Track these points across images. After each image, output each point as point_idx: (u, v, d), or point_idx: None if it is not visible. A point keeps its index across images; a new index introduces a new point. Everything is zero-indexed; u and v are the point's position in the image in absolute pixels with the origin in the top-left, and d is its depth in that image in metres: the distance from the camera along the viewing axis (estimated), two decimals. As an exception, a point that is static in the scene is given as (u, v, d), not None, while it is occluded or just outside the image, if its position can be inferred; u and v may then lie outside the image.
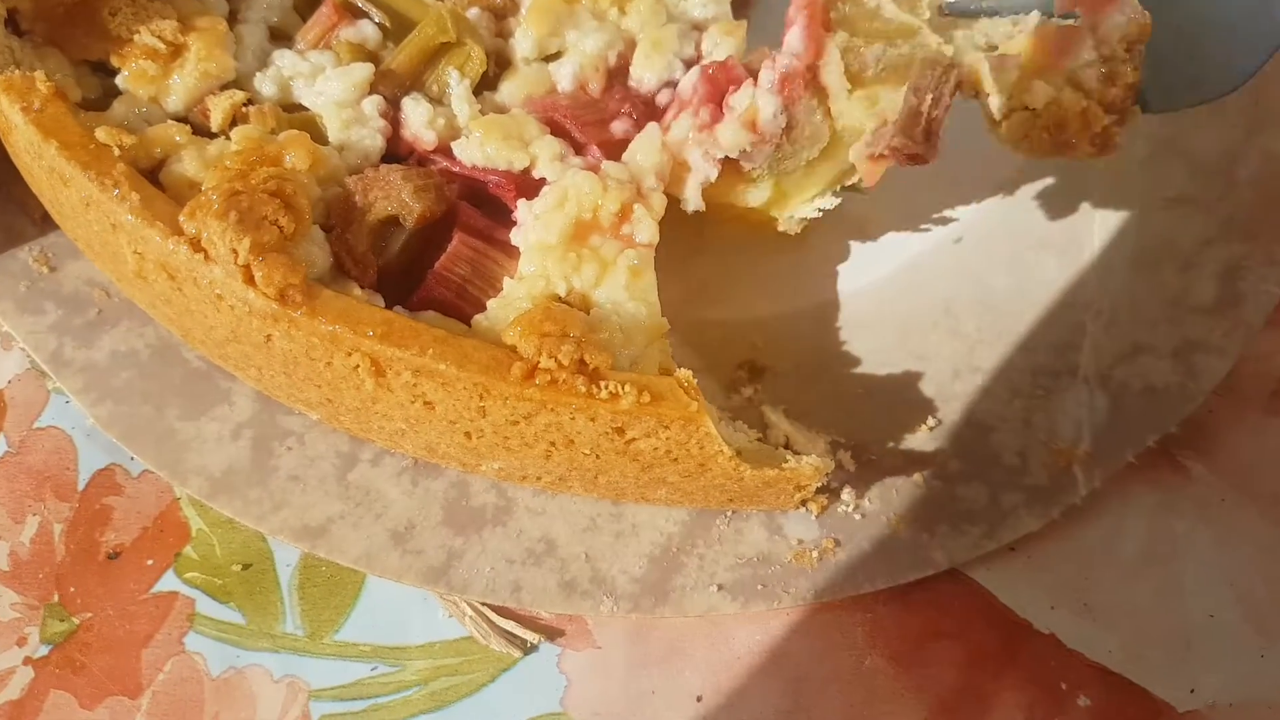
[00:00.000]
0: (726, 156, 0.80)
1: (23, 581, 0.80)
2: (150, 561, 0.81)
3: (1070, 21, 0.81)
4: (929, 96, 0.79)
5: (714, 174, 0.80)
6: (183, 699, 0.76)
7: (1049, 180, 0.98)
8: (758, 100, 0.79)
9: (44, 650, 0.78)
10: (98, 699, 0.76)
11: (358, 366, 0.71)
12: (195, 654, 0.78)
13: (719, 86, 0.80)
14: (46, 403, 0.86)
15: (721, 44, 0.84)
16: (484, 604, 0.79)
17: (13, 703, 0.76)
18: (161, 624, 0.79)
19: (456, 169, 0.79)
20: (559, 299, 0.75)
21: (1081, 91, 0.80)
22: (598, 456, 0.74)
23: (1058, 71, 0.80)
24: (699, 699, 0.78)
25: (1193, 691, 0.78)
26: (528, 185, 0.79)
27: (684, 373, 0.72)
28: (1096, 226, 0.95)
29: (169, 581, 0.80)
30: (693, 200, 0.81)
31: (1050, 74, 0.80)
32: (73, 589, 0.80)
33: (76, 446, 0.85)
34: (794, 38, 0.80)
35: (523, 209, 0.77)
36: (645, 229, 0.76)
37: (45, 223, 0.89)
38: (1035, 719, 0.78)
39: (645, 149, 0.79)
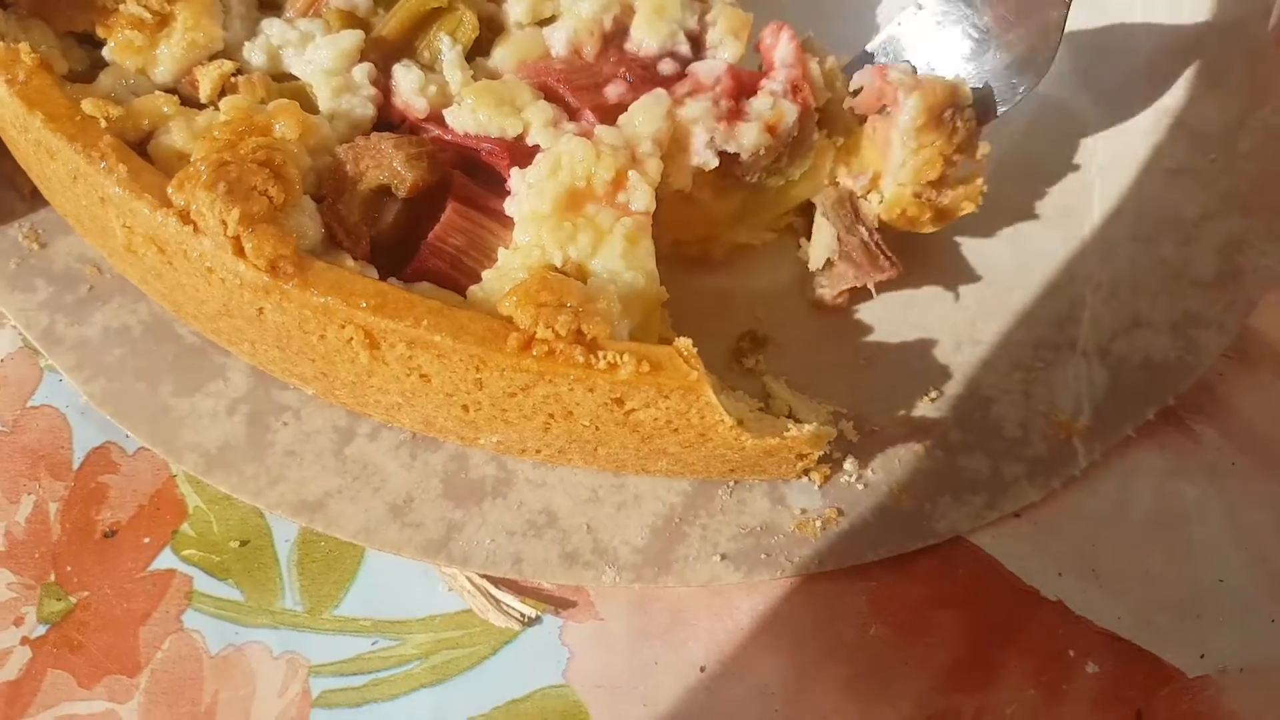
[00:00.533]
0: (725, 152, 0.80)
1: (19, 561, 0.79)
2: (147, 539, 0.80)
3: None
4: (856, 229, 0.85)
5: (713, 162, 0.79)
6: (182, 677, 0.76)
7: (1048, 151, 0.97)
8: (781, 106, 0.80)
9: (41, 630, 0.77)
10: (96, 678, 0.75)
11: (351, 339, 0.70)
12: (194, 632, 0.77)
13: (742, 86, 0.81)
14: (40, 381, 0.85)
15: (727, 43, 0.83)
16: (484, 576, 0.78)
17: (10, 683, 0.75)
18: (159, 602, 0.78)
19: (449, 137, 0.78)
20: (555, 269, 0.73)
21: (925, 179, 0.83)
22: (597, 428, 0.73)
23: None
24: (702, 669, 0.77)
25: (1203, 657, 0.78)
26: (521, 153, 0.77)
27: (683, 341, 0.71)
28: (1096, 198, 0.94)
29: (166, 559, 0.79)
30: (678, 181, 0.80)
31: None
32: (69, 568, 0.79)
33: (71, 425, 0.84)
34: (784, 51, 0.82)
35: (515, 178, 0.76)
36: (641, 196, 0.75)
37: (35, 198, 0.88)
38: (1043, 687, 0.78)
39: (649, 114, 0.77)
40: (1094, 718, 0.77)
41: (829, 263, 0.86)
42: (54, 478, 0.82)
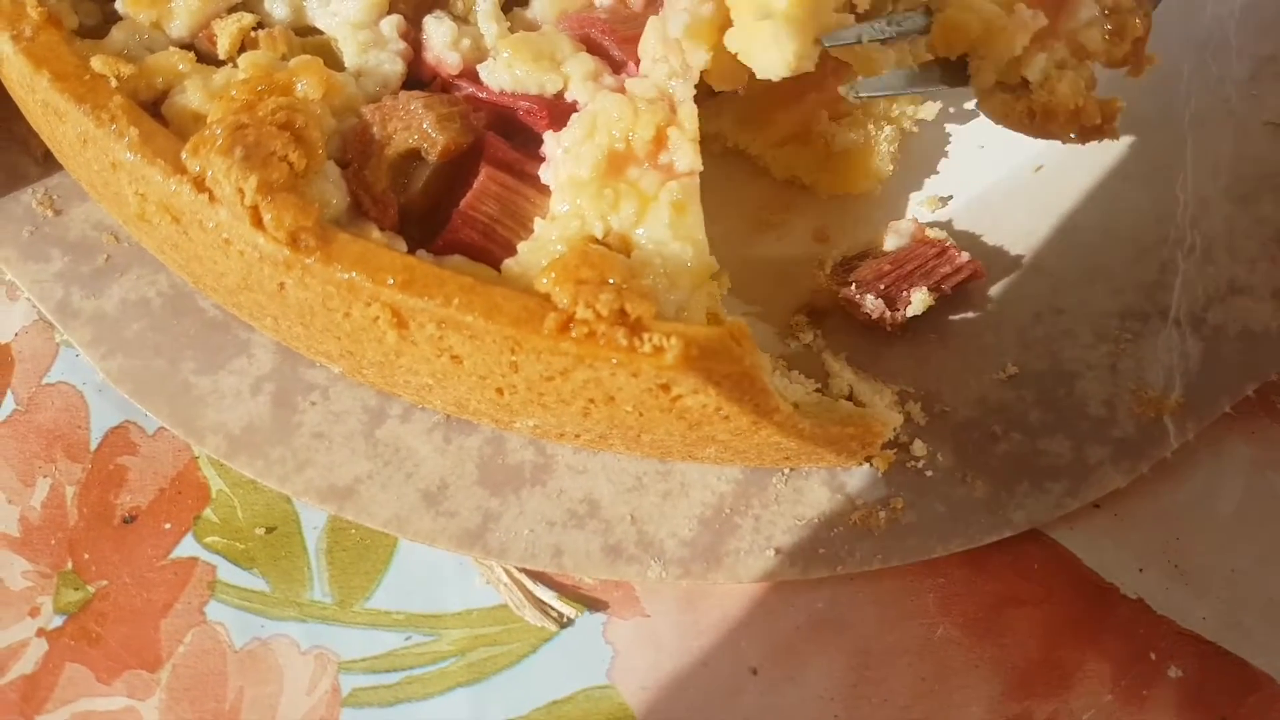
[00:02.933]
0: None
1: (34, 548, 0.76)
2: (168, 525, 0.76)
3: None
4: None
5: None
6: (204, 672, 0.72)
7: (1136, 102, 0.88)
8: None
9: (58, 621, 0.74)
10: (115, 672, 0.72)
11: (378, 318, 0.65)
12: (217, 624, 0.74)
13: None
14: (56, 356, 0.81)
15: None
16: (522, 570, 0.74)
17: (26, 677, 0.72)
18: (181, 592, 0.74)
19: (483, 95, 0.72)
20: (596, 241, 0.67)
21: (1086, 55, 0.72)
22: (641, 414, 0.67)
23: (1057, 36, 0.72)
24: (754, 671, 0.72)
25: (1296, 663, 0.72)
26: (561, 111, 0.71)
27: (736, 323, 0.65)
28: (1189, 154, 0.86)
29: (188, 546, 0.76)
30: (765, 65, 0.70)
31: (1050, 40, 0.72)
32: (87, 555, 0.75)
33: (88, 403, 0.80)
34: None
35: (550, 142, 0.70)
36: (685, 154, 0.68)
37: (49, 162, 0.84)
38: (1121, 692, 0.72)
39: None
40: (1179, 726, 0.71)
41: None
42: (71, 459, 0.78)
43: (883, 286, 0.78)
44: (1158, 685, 0.72)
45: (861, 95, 0.78)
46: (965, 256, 0.80)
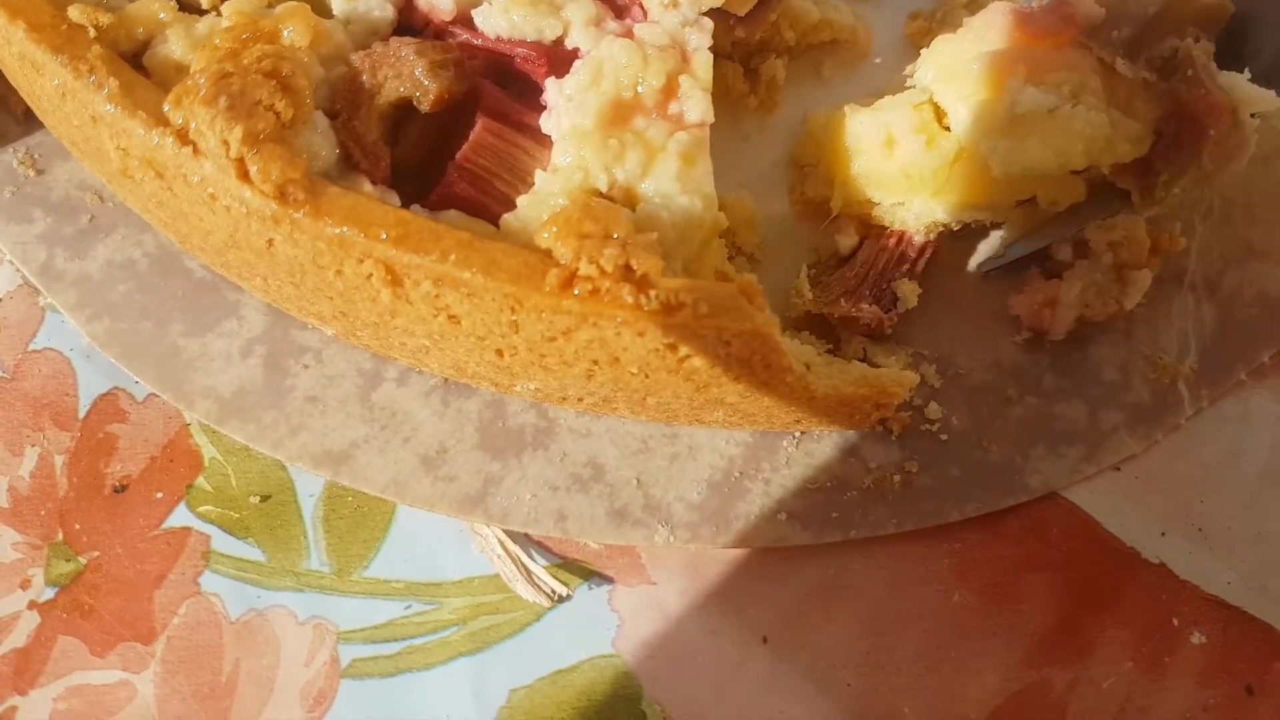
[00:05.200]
0: None
1: (24, 519, 0.74)
2: (160, 494, 0.74)
3: None
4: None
5: None
6: (200, 644, 0.70)
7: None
8: None
9: (50, 593, 0.72)
10: (109, 645, 0.70)
11: (371, 275, 0.62)
12: (212, 595, 0.71)
13: None
14: (41, 322, 0.79)
15: None
16: (517, 541, 0.72)
17: (19, 650, 0.70)
18: (174, 563, 0.72)
19: (478, 41, 0.69)
20: (600, 194, 0.65)
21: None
22: (647, 376, 0.65)
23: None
24: (765, 640, 0.70)
25: (1325, 628, 0.70)
26: (560, 59, 0.68)
27: (746, 277, 0.62)
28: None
29: (181, 516, 0.73)
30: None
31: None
32: (78, 526, 0.73)
33: (75, 369, 0.77)
34: None
35: (552, 89, 0.67)
36: (696, 104, 0.66)
37: (29, 120, 0.81)
38: (1143, 659, 0.70)
39: None
40: (1200, 693, 0.69)
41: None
42: (59, 428, 0.76)
43: (867, 292, 0.76)
44: (1180, 652, 0.70)
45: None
46: (919, 237, 0.77)
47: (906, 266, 0.76)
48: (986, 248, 0.78)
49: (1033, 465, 0.73)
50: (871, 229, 0.78)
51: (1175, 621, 0.71)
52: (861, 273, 0.77)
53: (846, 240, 0.79)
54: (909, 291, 0.75)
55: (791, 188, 0.82)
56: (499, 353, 0.66)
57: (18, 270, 0.78)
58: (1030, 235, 0.77)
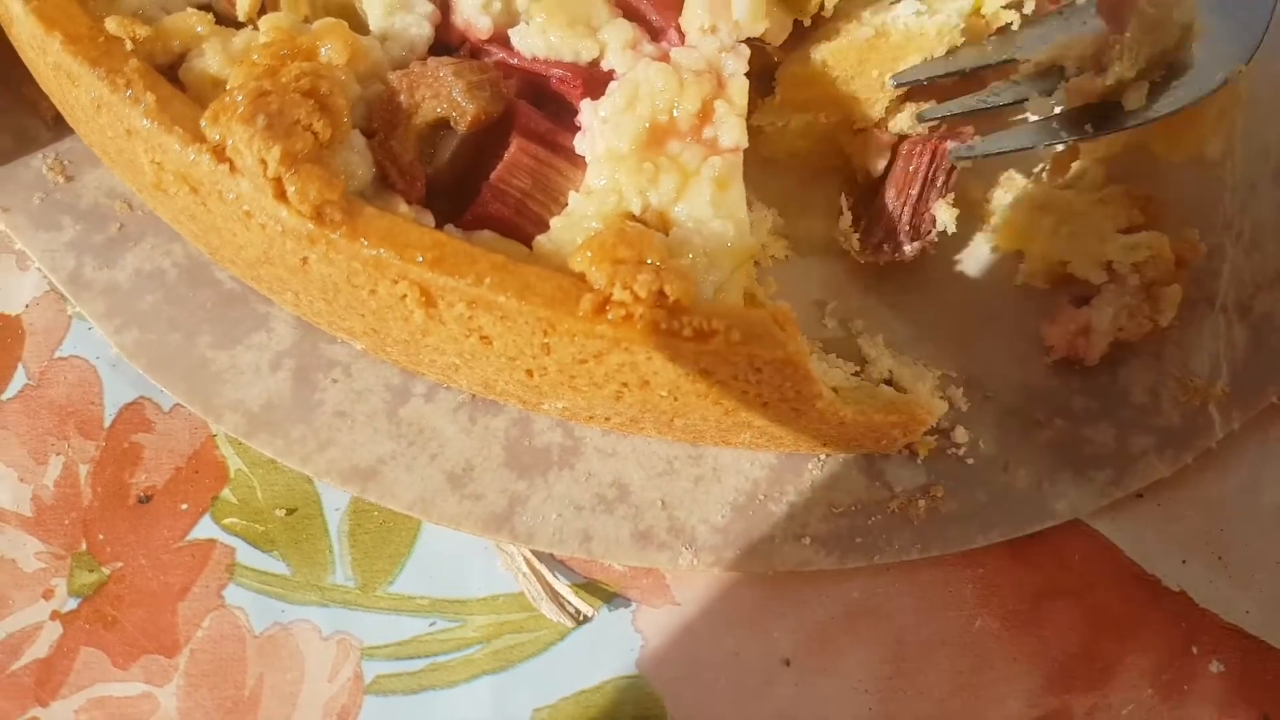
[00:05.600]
0: None
1: (47, 528, 0.73)
2: (185, 506, 0.74)
3: None
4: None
5: None
6: (223, 658, 0.70)
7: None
8: None
9: (73, 604, 0.72)
10: (132, 657, 0.70)
11: (405, 296, 0.62)
12: (236, 608, 0.71)
13: None
14: (68, 329, 0.78)
15: None
16: (543, 560, 0.72)
17: (40, 661, 0.70)
18: (199, 575, 0.72)
19: (514, 61, 0.69)
20: (633, 217, 0.65)
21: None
22: (676, 399, 0.65)
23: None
24: (787, 663, 0.70)
25: (1345, 660, 0.70)
26: (596, 80, 0.68)
27: (779, 304, 0.62)
28: (1239, 135, 0.82)
29: (206, 528, 0.73)
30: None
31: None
32: (101, 536, 0.73)
33: (101, 378, 0.77)
34: None
35: (587, 111, 0.67)
36: (731, 130, 0.66)
37: (59, 125, 0.80)
38: (1162, 686, 0.70)
39: None
40: (1218, 722, 0.70)
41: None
42: (84, 437, 0.75)
43: (908, 227, 0.76)
44: (1199, 680, 0.70)
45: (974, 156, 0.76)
46: (951, 144, 0.76)
47: (941, 185, 0.76)
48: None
49: (1059, 490, 0.73)
50: (898, 149, 0.77)
51: (1195, 650, 0.71)
52: (901, 206, 0.76)
53: (875, 162, 0.78)
54: (949, 215, 0.75)
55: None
56: (529, 373, 0.66)
57: (44, 277, 0.78)
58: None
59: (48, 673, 0.70)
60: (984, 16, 0.76)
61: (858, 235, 0.77)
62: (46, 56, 0.67)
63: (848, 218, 0.78)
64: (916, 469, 0.73)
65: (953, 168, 0.76)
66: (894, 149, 0.77)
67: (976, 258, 0.80)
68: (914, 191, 0.76)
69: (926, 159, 0.76)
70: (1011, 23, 0.76)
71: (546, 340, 0.62)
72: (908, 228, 0.76)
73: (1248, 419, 0.75)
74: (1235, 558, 0.73)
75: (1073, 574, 0.73)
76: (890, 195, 0.76)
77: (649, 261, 0.60)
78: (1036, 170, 0.81)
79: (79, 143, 0.80)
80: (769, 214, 0.80)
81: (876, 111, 0.77)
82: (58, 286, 0.77)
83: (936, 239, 0.76)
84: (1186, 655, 0.71)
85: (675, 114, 0.66)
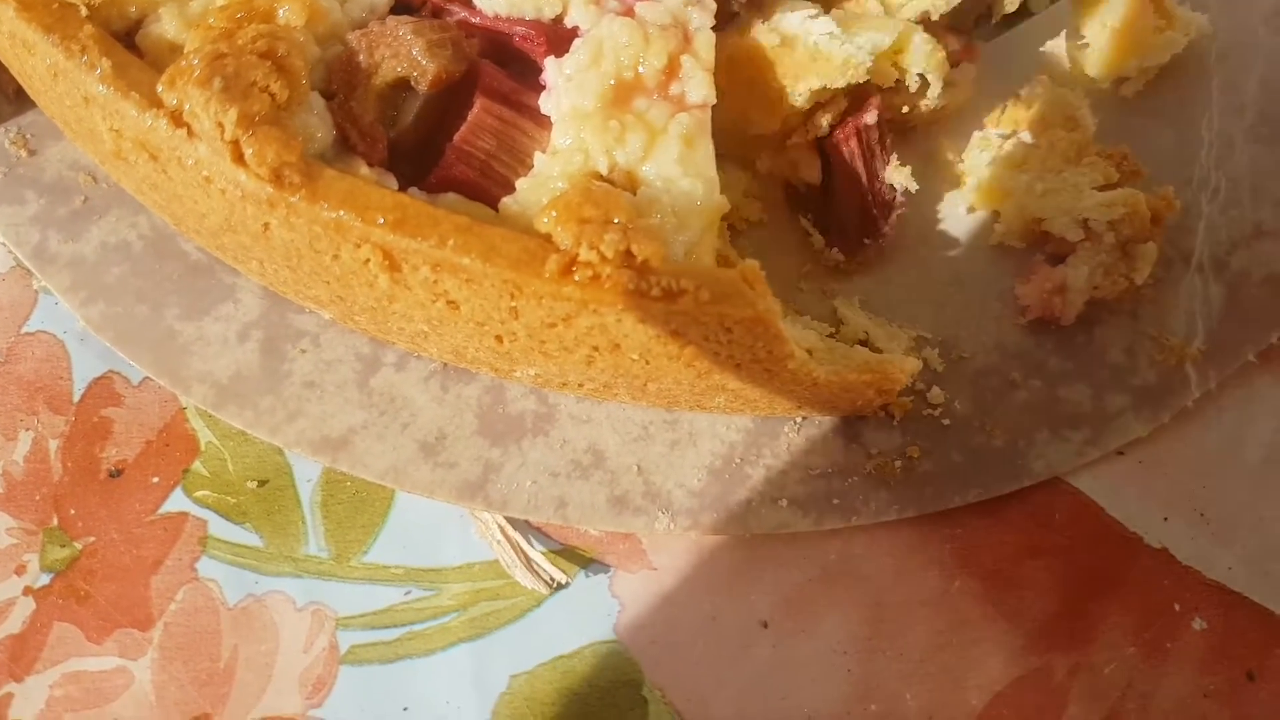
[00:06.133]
0: None
1: (18, 504, 0.73)
2: (156, 479, 0.73)
3: None
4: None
5: None
6: (197, 631, 0.70)
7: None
8: None
9: (45, 579, 0.71)
10: (106, 631, 0.70)
11: (369, 260, 0.61)
12: (209, 581, 0.71)
13: None
14: (35, 304, 0.78)
15: None
16: (524, 522, 0.71)
17: (14, 636, 0.70)
18: (171, 548, 0.72)
19: (476, 20, 0.67)
20: (600, 177, 0.64)
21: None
22: (647, 362, 0.64)
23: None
24: (765, 625, 0.70)
25: (1328, 614, 0.69)
26: (559, 37, 0.67)
27: (748, 263, 0.61)
28: (1214, 92, 0.82)
29: (177, 501, 0.73)
30: None
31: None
32: (73, 511, 0.73)
33: (69, 352, 0.76)
34: None
35: (551, 69, 0.66)
36: (698, 85, 0.65)
37: (21, 99, 0.79)
38: (1144, 644, 0.70)
39: None
40: (1201, 679, 0.69)
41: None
42: (53, 411, 0.75)
43: (874, 210, 0.75)
44: (1182, 637, 0.70)
45: None
46: (867, 115, 0.74)
47: (881, 154, 0.75)
48: None
49: (1036, 450, 0.72)
50: (824, 148, 0.76)
51: (1177, 607, 0.71)
52: (856, 197, 0.75)
53: (810, 170, 0.77)
54: (904, 176, 0.75)
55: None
56: (498, 338, 0.65)
57: (9, 252, 0.77)
58: None
59: (21, 648, 0.69)
60: (897, 65, 0.74)
61: (835, 249, 0.76)
62: (1, 25, 0.66)
63: (819, 238, 0.77)
64: (892, 430, 0.72)
65: (882, 131, 0.75)
66: (820, 150, 0.76)
67: (951, 219, 0.79)
68: (861, 175, 0.74)
69: (855, 141, 0.74)
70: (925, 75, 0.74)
71: (514, 304, 0.61)
72: (874, 210, 0.75)
73: (1225, 377, 0.74)
74: (1217, 514, 0.73)
75: (1053, 533, 0.72)
76: (842, 191, 0.75)
77: (616, 221, 0.59)
78: (1010, 133, 0.80)
79: (41, 116, 0.79)
80: (743, 175, 0.79)
81: (775, 123, 0.75)
82: (23, 261, 0.76)
83: (905, 200, 0.75)
84: (1169, 613, 0.71)
85: (641, 70, 0.65)
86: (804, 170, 0.77)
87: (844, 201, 0.76)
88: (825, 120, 0.74)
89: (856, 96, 0.75)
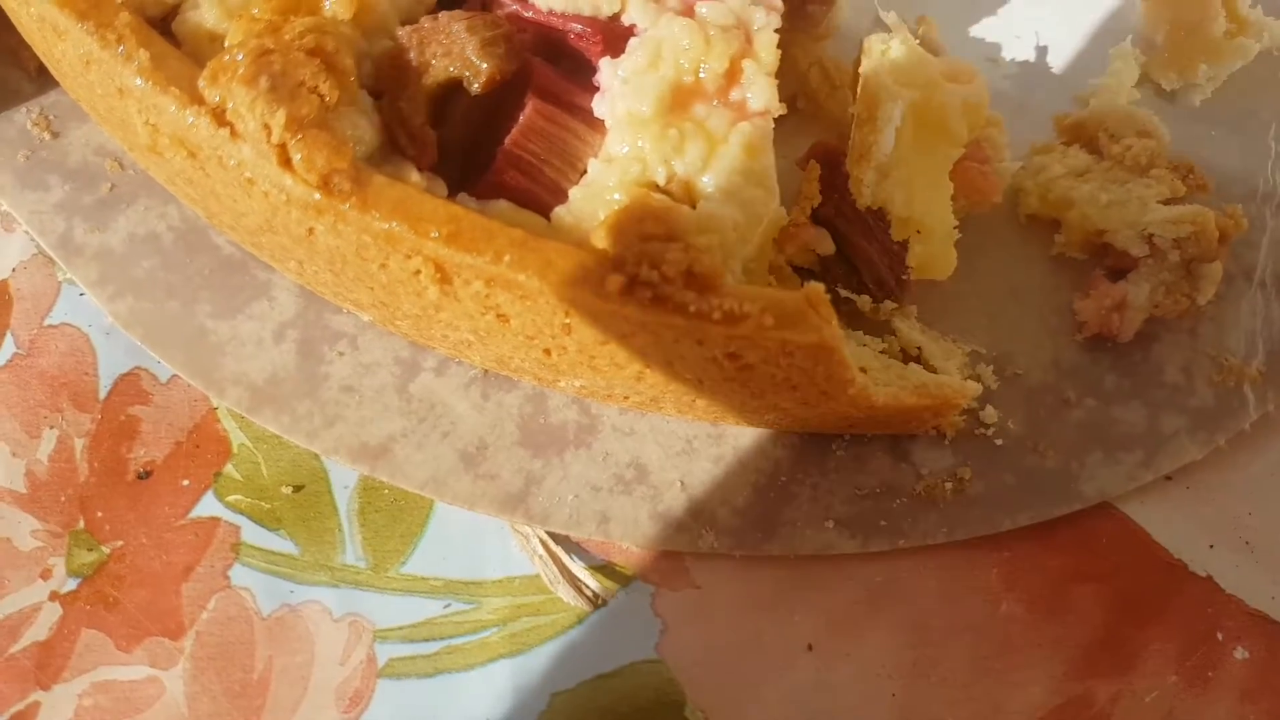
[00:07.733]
0: None
1: (43, 506, 0.71)
2: (186, 482, 0.71)
3: None
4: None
5: None
6: (230, 641, 0.68)
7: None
8: None
9: (72, 584, 0.69)
10: (135, 639, 0.68)
11: (419, 271, 0.59)
12: (242, 589, 0.69)
13: None
14: (58, 295, 0.75)
15: None
16: (559, 542, 0.70)
17: (40, 644, 0.68)
18: (203, 554, 0.70)
19: (529, 14, 0.64)
20: (657, 188, 0.61)
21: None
22: (701, 381, 0.62)
23: None
24: (810, 647, 0.69)
25: (1372, 648, 0.69)
26: (616, 36, 0.64)
27: (813, 285, 0.59)
28: (1278, 103, 0.80)
29: (209, 505, 0.71)
30: None
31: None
32: (100, 514, 0.70)
33: (95, 347, 0.74)
34: None
35: (606, 71, 0.63)
36: (760, 91, 0.62)
37: (43, 76, 0.76)
38: (1186, 673, 0.69)
39: None
40: (1242, 708, 0.69)
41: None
42: (78, 409, 0.72)
43: (895, 245, 0.71)
44: (1224, 666, 0.69)
45: None
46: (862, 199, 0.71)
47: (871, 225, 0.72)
48: None
49: (1088, 472, 0.71)
50: (823, 220, 0.72)
51: (1220, 636, 0.70)
52: (876, 245, 0.72)
53: (822, 243, 0.72)
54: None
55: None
56: (546, 351, 0.63)
57: (31, 240, 0.74)
58: None
59: (48, 656, 0.68)
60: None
61: (885, 300, 0.73)
62: (30, 7, 0.62)
63: (864, 300, 0.73)
64: (943, 450, 0.71)
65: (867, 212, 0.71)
66: (823, 223, 0.72)
67: (1009, 229, 0.77)
68: (865, 218, 0.71)
69: (848, 205, 0.71)
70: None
71: (568, 320, 0.59)
72: (895, 245, 0.72)
73: (1283, 399, 0.73)
74: (1263, 543, 0.71)
75: (1100, 558, 0.71)
76: (861, 245, 0.72)
77: (678, 239, 0.57)
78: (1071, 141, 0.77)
79: (64, 96, 0.76)
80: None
81: None
82: (48, 251, 0.73)
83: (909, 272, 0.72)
84: (1212, 641, 0.70)
85: (701, 74, 0.62)
86: (818, 245, 0.73)
87: (865, 256, 0.72)
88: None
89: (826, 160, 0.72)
